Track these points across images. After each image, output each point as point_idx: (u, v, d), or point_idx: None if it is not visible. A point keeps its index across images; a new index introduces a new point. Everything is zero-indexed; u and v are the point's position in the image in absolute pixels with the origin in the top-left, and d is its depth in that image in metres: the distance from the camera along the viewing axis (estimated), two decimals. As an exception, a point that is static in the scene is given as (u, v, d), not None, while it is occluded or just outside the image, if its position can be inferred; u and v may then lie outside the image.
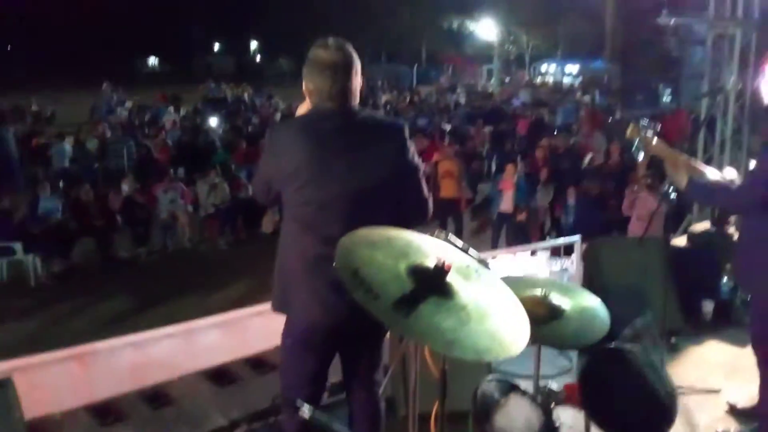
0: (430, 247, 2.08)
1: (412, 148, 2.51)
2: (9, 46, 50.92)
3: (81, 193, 10.27)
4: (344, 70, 2.37)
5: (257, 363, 4.02)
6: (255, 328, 4.33)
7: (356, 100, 2.43)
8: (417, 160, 2.52)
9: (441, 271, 1.92)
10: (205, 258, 10.27)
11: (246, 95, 27.99)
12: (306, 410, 1.82)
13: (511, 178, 9.35)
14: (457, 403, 2.34)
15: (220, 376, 3.89)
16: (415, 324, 1.79)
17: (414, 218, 2.50)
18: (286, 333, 2.51)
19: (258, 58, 57.69)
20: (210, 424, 3.46)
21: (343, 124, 2.37)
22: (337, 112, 2.37)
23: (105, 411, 3.53)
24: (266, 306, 2.65)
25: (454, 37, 41.76)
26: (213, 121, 18.47)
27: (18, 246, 9.00)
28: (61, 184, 11.86)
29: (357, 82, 2.42)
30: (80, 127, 17.07)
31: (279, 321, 2.52)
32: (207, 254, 10.42)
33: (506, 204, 9.29)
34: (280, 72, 46.14)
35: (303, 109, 2.56)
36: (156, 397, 3.65)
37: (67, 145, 14.48)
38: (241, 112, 21.74)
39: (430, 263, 1.95)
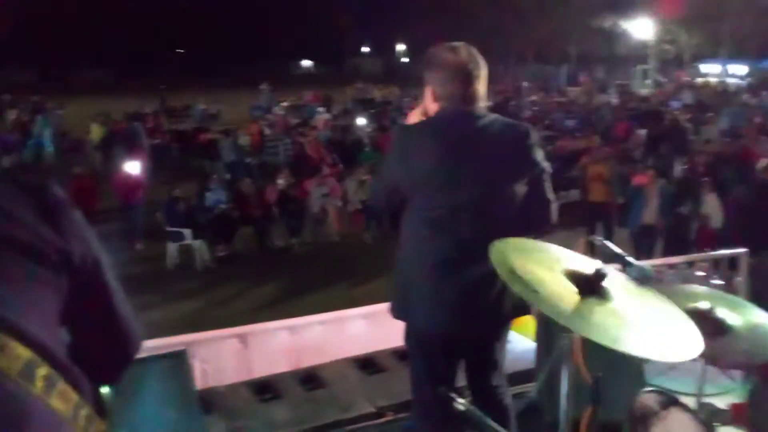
0: (581, 258, 2.06)
1: (539, 151, 2.48)
2: (182, 50, 55.79)
3: (242, 185, 11.07)
4: (475, 74, 2.37)
5: (403, 355, 4.12)
6: (400, 322, 4.44)
7: (483, 102, 2.43)
8: (544, 163, 2.48)
9: (599, 275, 1.90)
10: (351, 251, 10.66)
11: (392, 96, 28.56)
12: (461, 403, 1.87)
13: (651, 185, 8.80)
14: (608, 413, 2.29)
15: (368, 364, 4.02)
16: (580, 318, 1.78)
17: (537, 221, 2.46)
18: (409, 337, 2.54)
19: (404, 60, 58.70)
20: (358, 409, 3.59)
21: (473, 128, 2.37)
22: (468, 115, 2.37)
23: (263, 387, 3.77)
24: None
25: (605, 36, 39.98)
26: (361, 121, 19.07)
27: (187, 232, 9.87)
28: (227, 176, 12.83)
29: (485, 85, 2.42)
30: (240, 124, 18.33)
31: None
32: (353, 247, 10.81)
33: (650, 214, 8.74)
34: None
35: (419, 114, 2.55)
36: (309, 378, 3.85)
37: (233, 140, 15.59)
38: (387, 113, 22.27)
39: (586, 270, 1.93)
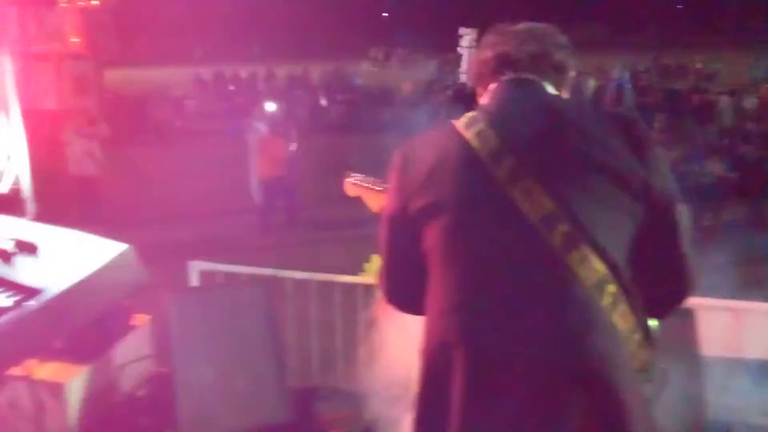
0: None
1: None
2: (681, 5, 52.72)
3: (745, 152, 10.14)
4: None
5: None
6: None
7: None
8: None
9: None
10: None
11: None
12: None
13: None
14: None
15: None
16: None
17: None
18: None
19: None
20: None
21: None
22: None
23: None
24: None
25: None
26: None
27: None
28: (723, 141, 11.89)
29: None
30: (740, 87, 16.57)
31: None
32: None
33: None
34: None
35: None
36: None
37: (736, 103, 14.29)
38: None
39: None
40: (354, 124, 17.83)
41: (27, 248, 1.20)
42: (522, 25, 1.58)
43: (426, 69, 26.89)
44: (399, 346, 3.39)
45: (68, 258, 1.13)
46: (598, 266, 1.32)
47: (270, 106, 10.46)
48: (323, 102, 19.89)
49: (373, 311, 4.14)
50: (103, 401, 2.49)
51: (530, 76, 1.51)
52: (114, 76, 19.46)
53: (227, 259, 4.02)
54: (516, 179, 1.36)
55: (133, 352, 2.62)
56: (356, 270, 4.40)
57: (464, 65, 18.16)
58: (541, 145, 1.39)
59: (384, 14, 56.89)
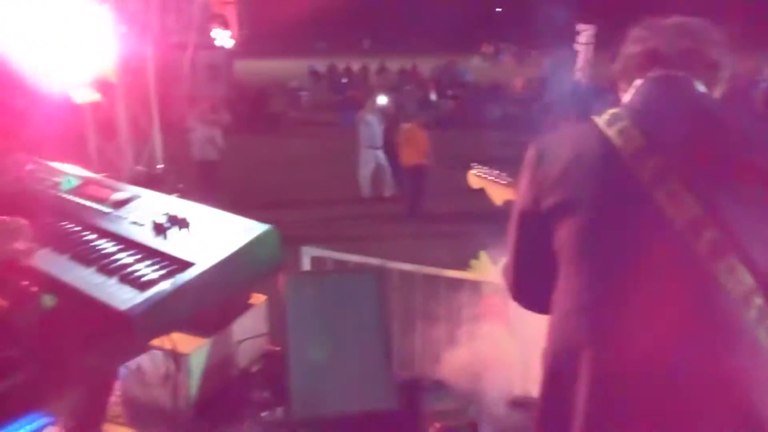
0: None
1: None
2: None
3: None
4: None
5: None
6: None
7: None
8: None
9: None
10: None
11: None
12: None
13: None
14: None
15: None
16: None
17: None
18: None
19: None
20: None
21: None
22: None
23: None
24: None
25: None
26: None
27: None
28: None
29: None
30: None
31: None
32: None
33: None
34: None
35: None
36: None
37: None
38: None
39: None
40: (462, 119, 17.74)
41: (179, 223, 1.29)
42: (674, 20, 1.50)
43: (539, 66, 26.27)
44: (505, 345, 3.36)
45: (215, 234, 1.21)
46: (746, 278, 1.23)
47: (381, 99, 10.60)
48: (433, 96, 19.91)
49: (479, 308, 4.12)
50: (221, 374, 2.63)
51: (680, 73, 1.43)
52: (239, 66, 20.37)
53: (335, 247, 4.13)
54: (661, 181, 1.29)
55: (250, 329, 2.74)
56: (463, 266, 4.40)
57: (580, 62, 17.59)
58: (689, 145, 1.32)
59: (497, 9, 56.08)
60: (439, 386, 2.50)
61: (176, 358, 2.44)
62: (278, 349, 2.89)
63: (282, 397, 2.38)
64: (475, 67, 31.70)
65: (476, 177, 2.15)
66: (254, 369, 2.75)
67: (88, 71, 4.73)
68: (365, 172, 10.28)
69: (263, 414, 2.44)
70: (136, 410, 2.52)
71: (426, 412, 2.38)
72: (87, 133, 5.19)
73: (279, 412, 2.42)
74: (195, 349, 2.29)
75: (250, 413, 2.43)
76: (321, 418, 2.31)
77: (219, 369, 2.61)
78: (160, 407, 2.54)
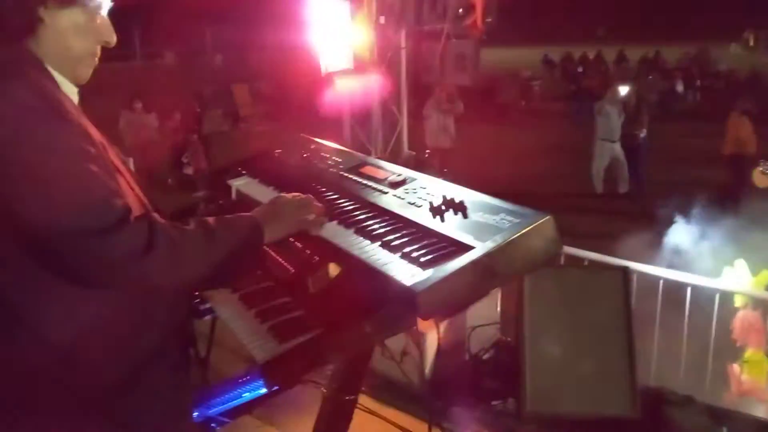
0: None
1: None
2: None
3: None
4: None
5: None
6: None
7: None
8: None
9: None
10: None
11: None
12: None
13: None
14: None
15: None
16: None
17: None
18: None
19: None
20: None
21: None
22: None
23: None
24: None
25: None
26: None
27: None
28: None
29: None
30: None
31: None
32: None
33: None
34: None
35: None
36: None
37: None
38: None
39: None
40: (713, 112, 16.07)
41: (456, 206, 1.32)
42: None
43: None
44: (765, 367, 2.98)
45: (492, 220, 1.22)
46: None
47: (622, 90, 10.00)
48: (679, 87, 18.31)
49: (732, 324, 3.71)
50: (453, 357, 2.69)
51: None
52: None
53: (564, 242, 3.97)
54: None
55: (483, 317, 2.77)
56: (715, 274, 3.98)
57: None
58: None
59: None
60: (689, 401, 2.30)
61: (415, 336, 2.54)
62: (509, 340, 2.88)
63: (514, 389, 2.36)
64: (732, 55, 28.51)
65: (762, 174, 1.92)
66: (485, 356, 2.77)
67: (349, 61, 5.12)
68: (599, 165, 9.79)
69: (494, 403, 2.45)
70: (376, 381, 2.68)
71: (672, 427, 2.20)
72: (343, 118, 5.65)
73: (510, 403, 2.41)
74: (432, 329, 2.36)
75: (482, 400, 2.45)
76: (554, 416, 2.25)
77: (452, 352, 2.68)
78: (397, 381, 2.68)
